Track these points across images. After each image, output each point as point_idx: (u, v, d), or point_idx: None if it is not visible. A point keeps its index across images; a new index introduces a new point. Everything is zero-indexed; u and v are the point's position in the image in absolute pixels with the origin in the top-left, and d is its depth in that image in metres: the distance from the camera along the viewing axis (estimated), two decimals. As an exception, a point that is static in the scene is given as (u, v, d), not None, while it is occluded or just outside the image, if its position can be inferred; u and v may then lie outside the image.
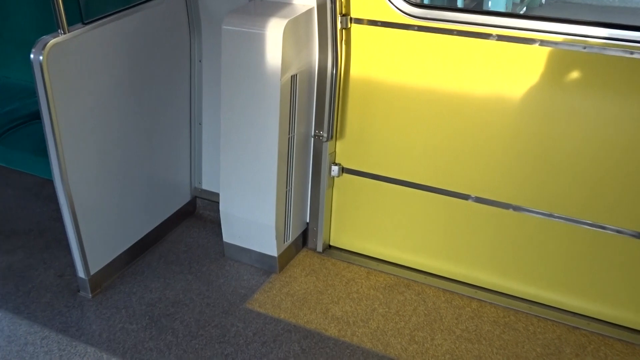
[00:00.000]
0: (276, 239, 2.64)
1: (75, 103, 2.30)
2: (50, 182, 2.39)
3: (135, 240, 2.77)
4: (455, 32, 2.29)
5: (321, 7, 2.40)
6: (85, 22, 2.27)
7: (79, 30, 2.24)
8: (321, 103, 2.57)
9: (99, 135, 2.45)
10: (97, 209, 2.52)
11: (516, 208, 2.45)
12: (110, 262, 2.65)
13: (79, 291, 2.59)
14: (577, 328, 2.44)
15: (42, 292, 2.59)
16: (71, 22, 2.21)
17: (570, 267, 2.45)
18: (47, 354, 2.28)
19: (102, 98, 2.42)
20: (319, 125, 2.62)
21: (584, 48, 2.14)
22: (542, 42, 2.19)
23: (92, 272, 2.56)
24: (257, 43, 2.34)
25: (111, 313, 2.49)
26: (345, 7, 2.41)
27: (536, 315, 2.50)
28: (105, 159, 2.51)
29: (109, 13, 2.37)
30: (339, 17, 2.41)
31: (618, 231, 2.33)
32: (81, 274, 2.54)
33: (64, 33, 2.17)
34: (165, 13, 2.61)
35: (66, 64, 2.21)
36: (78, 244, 2.46)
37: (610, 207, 2.31)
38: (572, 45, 2.15)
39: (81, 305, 2.53)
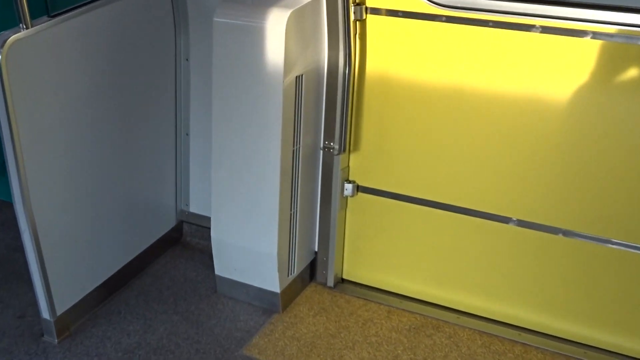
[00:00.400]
0: (279, 271, 2.64)
1: (39, 110, 2.29)
2: (9, 205, 2.40)
3: (111, 274, 2.76)
4: (491, 24, 2.30)
5: (331, -6, 2.44)
6: (52, 15, 2.26)
7: (44, 25, 2.24)
8: (332, 109, 2.59)
9: (68, 149, 2.44)
10: (64, 237, 2.50)
11: (567, 233, 2.45)
12: (80, 301, 2.63)
13: (42, 335, 2.56)
14: None
15: (-1, 336, 2.58)
16: (35, 16, 2.21)
17: (635, 304, 2.43)
18: (3, 413, 2.30)
19: (72, 105, 2.43)
20: (329, 135, 2.63)
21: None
22: (595, 35, 2.20)
23: (58, 313, 2.53)
24: (255, 38, 2.36)
25: (81, 362, 2.47)
26: (359, -7, 2.45)
27: None
28: (76, 178, 2.50)
29: (80, 4, 2.37)
30: (352, 7, 2.42)
31: None
32: (45, 314, 2.52)
33: (27, 28, 2.17)
34: (145, 4, 2.63)
35: (29, 64, 2.21)
36: (42, 278, 2.43)
37: None
38: (632, 37, 2.15)
39: (45, 352, 2.50)
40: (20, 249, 2.40)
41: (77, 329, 2.60)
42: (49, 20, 2.24)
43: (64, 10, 2.30)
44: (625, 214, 2.34)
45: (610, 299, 2.45)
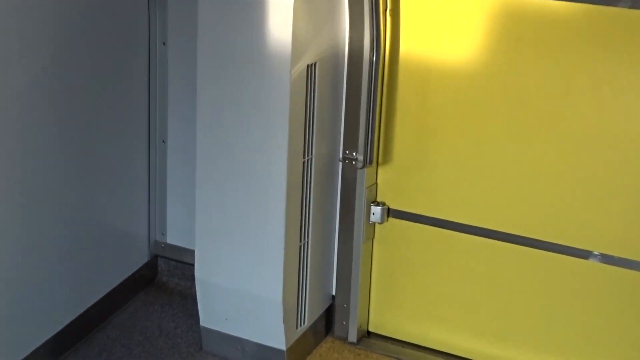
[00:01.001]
0: (284, 322, 2.59)
1: None
2: None
3: (64, 326, 2.69)
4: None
5: (352, -42, 2.41)
6: None
7: None
8: (354, 108, 2.58)
9: (8, 160, 2.39)
10: (3, 280, 2.45)
11: None
12: None
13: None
14: None
15: None
16: None
17: None
18: None
19: (14, 103, 2.38)
20: (351, 142, 2.61)
21: None
22: None
23: (-9, 377, 2.47)
24: (253, 15, 2.34)
25: None
26: (392, -44, 2.47)
27: None
28: (15, 203, 2.45)
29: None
30: None
31: None
32: (-24, 380, 2.45)
33: None
34: None
35: None
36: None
37: None
38: None
39: None
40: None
41: None
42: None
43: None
44: None
45: None
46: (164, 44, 2.81)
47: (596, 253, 2.46)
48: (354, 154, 2.59)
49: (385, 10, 2.46)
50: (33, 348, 2.57)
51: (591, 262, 2.47)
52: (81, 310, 2.74)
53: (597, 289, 2.51)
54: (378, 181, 2.68)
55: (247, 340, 2.66)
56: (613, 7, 2.25)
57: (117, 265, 2.92)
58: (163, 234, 3.04)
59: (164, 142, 2.92)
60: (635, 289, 2.47)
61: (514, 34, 2.42)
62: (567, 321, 2.57)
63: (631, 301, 2.49)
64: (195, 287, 2.68)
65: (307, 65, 2.39)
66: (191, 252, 2.73)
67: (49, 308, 2.63)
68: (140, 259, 3.01)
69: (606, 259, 2.45)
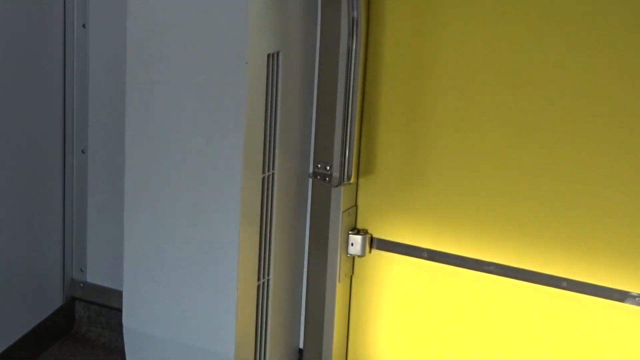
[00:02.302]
0: None
1: None
2: None
3: None
4: None
5: None
6: None
7: None
8: (328, 110, 2.46)
9: None
10: None
11: None
12: None
13: None
14: None
15: None
16: None
17: None
18: None
19: None
20: (323, 154, 2.48)
21: None
22: None
23: None
24: None
25: None
26: None
27: None
28: None
29: None
30: None
31: None
32: None
33: None
34: None
35: None
36: None
37: None
38: None
39: None
40: None
41: None
42: None
43: None
44: None
45: None
46: (83, 26, 2.72)
47: (634, 294, 2.37)
48: (328, 168, 2.45)
49: None
50: None
51: (627, 305, 2.37)
52: None
53: (632, 334, 2.44)
54: (358, 203, 2.59)
55: None
56: None
57: (22, 312, 2.82)
58: (82, 271, 2.92)
59: (83, 152, 2.81)
60: None
61: (537, 27, 2.33)
62: None
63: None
64: (122, 339, 2.54)
65: (268, 55, 2.28)
66: (118, 294, 2.61)
67: None
68: (53, 303, 2.90)
69: None
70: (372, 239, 2.59)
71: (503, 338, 2.62)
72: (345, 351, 2.74)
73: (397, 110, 2.50)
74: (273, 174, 2.39)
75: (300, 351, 2.71)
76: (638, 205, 2.43)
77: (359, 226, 2.59)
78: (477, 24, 2.40)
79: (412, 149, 2.52)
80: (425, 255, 2.54)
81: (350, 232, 2.56)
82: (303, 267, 2.65)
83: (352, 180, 2.47)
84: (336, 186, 2.47)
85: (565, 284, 2.47)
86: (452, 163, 2.50)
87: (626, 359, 2.53)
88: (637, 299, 2.42)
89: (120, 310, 2.54)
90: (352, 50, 2.33)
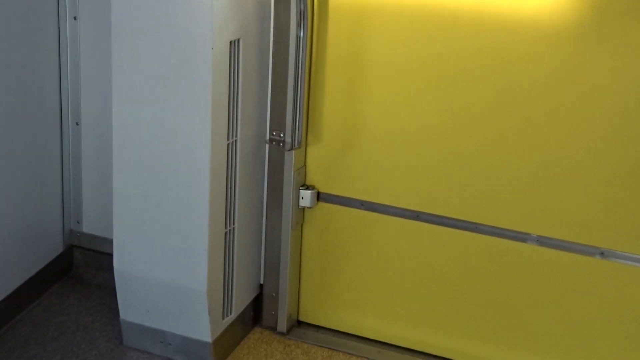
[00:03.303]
0: (210, 313, 2.49)
1: None
2: None
3: None
4: None
5: None
6: None
7: None
8: (281, 87, 2.50)
9: None
10: None
11: (607, 254, 2.39)
12: None
13: None
14: None
15: None
16: None
17: None
18: None
19: None
20: (277, 123, 2.53)
21: None
22: None
23: None
24: None
25: None
26: None
27: None
28: None
29: None
30: None
31: None
32: None
33: None
34: None
35: None
36: None
37: None
38: None
39: None
40: None
41: None
42: None
43: None
44: None
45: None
46: (74, 18, 2.69)
47: (534, 235, 2.43)
48: (281, 135, 2.52)
49: None
50: None
51: (529, 245, 2.43)
52: None
53: (536, 273, 2.49)
54: (307, 164, 2.62)
55: (170, 333, 2.55)
56: None
57: (28, 257, 2.80)
58: (78, 223, 2.91)
59: (77, 124, 2.79)
60: (577, 272, 2.44)
61: (442, 16, 2.35)
62: (509, 307, 2.54)
63: (572, 284, 2.46)
64: (114, 279, 2.56)
65: (230, 42, 2.29)
66: (109, 242, 2.62)
67: None
68: (54, 250, 2.88)
69: (544, 241, 2.42)
70: (318, 193, 2.63)
71: (426, 274, 2.62)
72: (298, 284, 2.76)
73: (338, 87, 2.52)
74: (236, 140, 2.43)
75: (261, 286, 2.74)
76: (527, 162, 2.41)
77: (308, 183, 2.63)
78: (402, 18, 2.40)
79: (351, 119, 2.54)
80: (362, 206, 2.58)
81: (300, 188, 2.61)
82: (262, 217, 2.68)
83: (301, 145, 2.53)
84: (288, 150, 2.53)
85: (476, 228, 2.51)
86: (382, 131, 2.53)
87: (524, 293, 2.54)
88: (537, 240, 2.45)
89: (111, 255, 2.55)
90: (300, 37, 2.38)
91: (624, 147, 2.37)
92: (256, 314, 2.77)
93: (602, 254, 2.42)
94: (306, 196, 2.62)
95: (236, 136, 2.44)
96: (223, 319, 2.57)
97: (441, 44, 2.43)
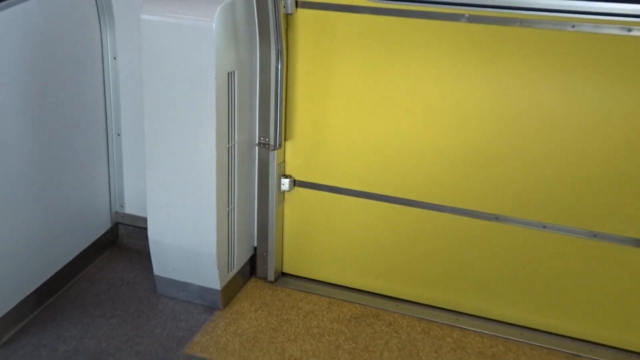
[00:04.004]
0: (218, 268, 2.57)
1: None
2: None
3: (43, 281, 2.62)
4: (420, 15, 2.29)
5: (261, -11, 2.41)
6: None
7: None
8: (265, 105, 2.54)
9: None
10: None
11: (501, 219, 2.44)
12: (11, 310, 2.48)
13: (-28, 348, 2.44)
14: (579, 356, 2.44)
15: None
16: None
17: (566, 286, 2.46)
18: None
19: None
20: (264, 131, 2.58)
21: (573, 27, 2.16)
22: (523, 22, 2.20)
23: (-13, 324, 2.41)
24: (184, 35, 2.30)
25: (15, 373, 2.33)
26: (289, -12, 2.45)
27: (529, 343, 2.49)
28: (0, 183, 2.37)
29: (-1, 1, 2.28)
30: (282, 1, 2.39)
31: (619, 240, 2.34)
32: (-27, 326, 2.39)
33: None
34: (67, 1, 2.54)
35: None
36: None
37: (611, 211, 2.32)
38: (559, 24, 2.16)
39: (-25, 365, 2.38)
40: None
41: (9, 339, 2.44)
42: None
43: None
44: (559, 199, 2.36)
45: (545, 281, 2.46)
46: (114, 58, 2.71)
47: (448, 207, 2.48)
48: (267, 140, 2.57)
49: (286, 29, 2.42)
50: (20, 299, 2.50)
51: (445, 214, 2.48)
52: (58, 268, 2.67)
53: (451, 234, 2.52)
54: (285, 160, 2.65)
55: (191, 284, 2.63)
56: (455, 22, 2.25)
57: (85, 232, 2.83)
58: (122, 206, 2.95)
59: (118, 134, 2.83)
60: (477, 232, 2.49)
61: (383, 49, 2.38)
62: (429, 258, 2.58)
63: (473, 241, 2.50)
64: (149, 246, 2.63)
65: (228, 73, 2.36)
66: (144, 219, 2.67)
67: (32, 267, 2.55)
68: (104, 226, 2.92)
69: (455, 211, 2.47)
70: (294, 181, 2.66)
71: (375, 238, 2.63)
72: (281, 246, 2.78)
73: (306, 104, 2.54)
74: (234, 144, 2.47)
75: (255, 248, 2.78)
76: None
77: (286, 173, 2.66)
78: (354, 51, 2.42)
79: (317, 127, 2.55)
80: (326, 189, 2.63)
81: (281, 177, 2.64)
82: (254, 199, 2.70)
83: (281, 147, 2.58)
84: (272, 150, 2.57)
85: (409, 203, 2.53)
86: (340, 135, 2.54)
87: (446, 248, 2.55)
88: (446, 210, 2.47)
89: (146, 229, 2.63)
90: (278, 69, 2.43)
91: (509, 128, 2.34)
92: (252, 268, 2.80)
93: (497, 218, 2.45)
94: (285, 183, 2.65)
95: (234, 141, 2.48)
96: (228, 272, 2.63)
97: (380, 72, 2.42)
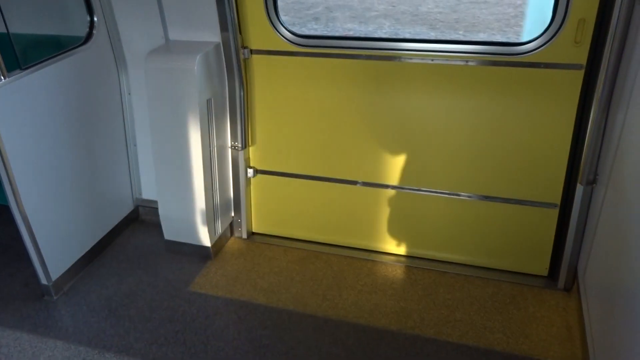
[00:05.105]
0: (209, 232, 2.55)
1: (21, 138, 2.14)
2: (7, 208, 2.21)
3: (89, 248, 2.61)
4: (332, 55, 2.28)
5: (225, 43, 2.34)
6: (23, 67, 2.11)
7: (18, 75, 2.09)
8: (234, 120, 2.50)
9: (46, 163, 2.29)
10: (51, 226, 2.35)
11: (393, 187, 2.45)
12: (69, 268, 2.49)
13: (43, 296, 2.41)
14: (446, 272, 2.48)
15: (10, 301, 2.39)
16: (10, 69, 2.05)
17: (436, 227, 2.48)
18: (20, 352, 2.12)
19: (46, 132, 2.27)
20: (234, 137, 2.55)
21: (432, 60, 2.17)
22: (400, 58, 2.21)
23: (53, 279, 2.39)
24: (176, 75, 2.27)
25: (74, 310, 2.33)
26: (245, 40, 2.36)
27: (415, 267, 2.52)
28: (55, 183, 2.36)
29: (44, 59, 2.23)
30: (241, 50, 2.36)
31: (468, 196, 2.37)
32: (44, 280, 2.37)
33: (4, 78, 2.03)
34: (93, 55, 2.46)
35: (8, 104, 2.06)
36: (37, 256, 2.30)
37: (461, 178, 2.34)
38: (423, 58, 2.18)
39: (47, 307, 2.36)
40: (20, 238, 2.25)
41: (68, 289, 2.46)
42: (21, 72, 2.09)
43: (33, 64, 2.15)
44: (425, 171, 2.37)
45: (422, 225, 2.47)
46: (129, 94, 2.65)
47: (360, 181, 2.46)
48: (236, 143, 2.52)
49: (245, 68, 2.37)
50: (75, 260, 2.51)
51: (358, 187, 2.47)
52: (98, 238, 2.65)
53: (362, 199, 2.49)
54: (250, 156, 2.59)
55: (190, 244, 2.59)
56: (356, 59, 2.22)
57: (115, 212, 2.78)
58: (140, 193, 2.88)
59: (134, 145, 2.77)
60: (380, 197, 2.45)
61: (310, 78, 2.34)
62: (349, 216, 2.54)
63: (377, 203, 2.48)
64: (160, 220, 2.60)
65: (207, 100, 2.32)
66: (156, 202, 2.61)
67: (81, 239, 2.55)
68: (128, 208, 2.86)
69: (365, 183, 2.45)
70: (257, 170, 2.62)
71: (314, 206, 2.59)
72: (251, 214, 2.72)
73: (263, 118, 2.48)
74: (214, 147, 2.45)
75: (232, 217, 2.71)
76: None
77: (251, 165, 2.61)
78: (291, 80, 2.38)
79: (271, 133, 2.51)
80: (279, 174, 2.59)
81: (248, 168, 2.60)
82: (230, 183, 2.63)
83: (246, 147, 2.54)
84: (240, 150, 2.53)
85: (339, 180, 2.50)
86: (287, 137, 2.50)
87: (350, 207, 2.52)
88: (359, 184, 2.47)
89: (157, 208, 2.57)
90: (241, 96, 2.41)
91: (389, 124, 2.30)
92: (231, 230, 2.74)
93: (363, 183, 2.45)
94: (250, 172, 2.61)
95: (214, 145, 2.44)
96: (215, 234, 2.58)
97: (310, 93, 2.38)
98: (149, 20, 2.39)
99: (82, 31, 2.43)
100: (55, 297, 2.39)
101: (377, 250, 2.61)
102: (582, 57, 1.99)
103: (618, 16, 1.74)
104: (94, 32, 2.44)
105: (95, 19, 2.43)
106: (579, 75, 2.02)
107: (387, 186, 2.46)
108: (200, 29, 2.32)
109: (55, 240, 2.38)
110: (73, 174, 2.46)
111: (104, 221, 2.71)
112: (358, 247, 2.63)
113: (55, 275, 2.39)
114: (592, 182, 2.04)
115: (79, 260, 2.55)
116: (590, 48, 1.97)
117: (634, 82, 1.70)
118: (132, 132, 2.76)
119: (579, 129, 2.11)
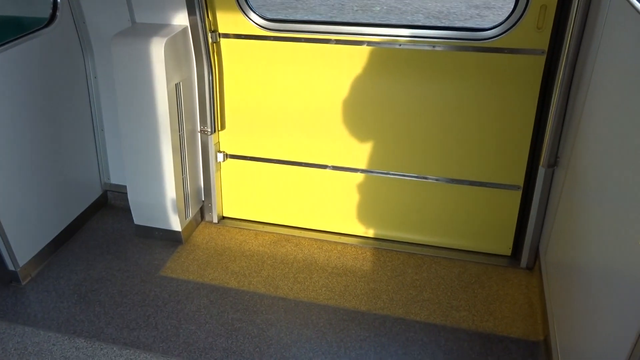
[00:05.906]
0: (179, 216, 2.55)
1: None
2: None
3: (57, 233, 2.59)
4: (302, 40, 2.28)
5: (194, 26, 2.32)
6: None
7: None
8: (203, 104, 2.48)
9: (11, 149, 2.26)
10: (18, 211, 2.33)
11: (362, 171, 2.47)
12: (37, 254, 2.47)
13: (11, 282, 2.39)
14: (414, 254, 2.52)
15: (-24, 288, 2.39)
16: None
17: (404, 210, 2.51)
18: (-12, 340, 2.13)
19: (9, 117, 2.23)
20: (203, 122, 2.53)
21: (399, 45, 2.19)
22: (369, 43, 2.21)
23: (20, 264, 2.37)
24: (143, 59, 2.24)
25: (43, 296, 2.31)
26: (213, 24, 2.34)
27: (384, 249, 2.54)
28: (20, 169, 2.33)
29: (5, 42, 2.18)
30: (209, 34, 2.34)
31: (435, 179, 2.40)
32: (11, 267, 2.35)
33: None
34: (57, 37, 2.41)
35: None
36: (3, 242, 2.28)
37: (428, 162, 2.38)
38: (391, 43, 2.19)
39: (15, 293, 2.34)
40: (-14, 224, 2.24)
41: (37, 275, 2.44)
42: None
43: (-5, 46, 2.10)
44: (394, 156, 2.38)
45: (391, 208, 2.49)
46: (95, 77, 2.62)
47: (330, 165, 2.47)
48: (205, 127, 2.50)
49: (214, 52, 2.36)
50: (42, 246, 2.49)
51: (328, 170, 2.48)
52: (67, 223, 2.63)
53: (331, 183, 2.51)
54: (219, 140, 2.58)
55: (160, 228, 2.59)
56: (326, 44, 2.22)
57: (84, 197, 2.76)
58: (108, 178, 2.86)
59: (102, 130, 2.74)
60: (348, 181, 2.48)
61: (279, 62, 2.32)
62: (319, 200, 2.56)
63: (345, 187, 2.49)
64: (129, 205, 2.59)
65: (175, 84, 2.32)
66: (125, 187, 2.66)
67: (49, 224, 2.52)
68: (96, 193, 2.84)
69: (335, 167, 2.47)
70: (226, 154, 2.61)
71: (282, 190, 2.59)
72: (221, 198, 2.70)
73: (232, 101, 2.47)
74: (184, 132, 2.44)
75: (202, 201, 2.71)
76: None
77: (221, 149, 2.60)
78: (260, 64, 2.36)
79: (240, 116, 2.49)
80: (249, 158, 2.59)
81: (217, 153, 2.59)
82: (200, 168, 2.63)
83: (215, 132, 2.52)
84: (209, 135, 2.52)
85: (307, 165, 2.50)
86: (255, 121, 2.48)
87: (323, 192, 2.52)
88: (328, 168, 2.47)
89: (126, 193, 2.59)
90: (210, 80, 2.38)
91: (358, 105, 2.29)
92: (202, 215, 2.74)
93: (332, 167, 2.47)
94: (220, 156, 2.61)
95: (183, 130, 2.43)
96: (185, 219, 2.59)
97: (278, 76, 2.37)
98: (115, 2, 2.35)
99: (45, 12, 2.39)
100: (23, 283, 2.37)
101: (346, 233, 2.63)
102: (544, 43, 2.03)
103: (578, 2, 1.77)
104: (58, 13, 2.39)
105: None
106: (541, 60, 2.06)
107: (356, 170, 2.48)
108: (167, 11, 2.30)
109: (22, 225, 2.36)
110: (39, 159, 2.42)
111: (71, 206, 2.69)
112: (328, 230, 2.65)
113: (22, 261, 2.38)
114: (553, 165, 2.07)
115: (47, 246, 2.52)
116: (552, 34, 2.00)
117: (593, 67, 1.74)
118: (99, 117, 2.72)
119: (540, 113, 2.15)
